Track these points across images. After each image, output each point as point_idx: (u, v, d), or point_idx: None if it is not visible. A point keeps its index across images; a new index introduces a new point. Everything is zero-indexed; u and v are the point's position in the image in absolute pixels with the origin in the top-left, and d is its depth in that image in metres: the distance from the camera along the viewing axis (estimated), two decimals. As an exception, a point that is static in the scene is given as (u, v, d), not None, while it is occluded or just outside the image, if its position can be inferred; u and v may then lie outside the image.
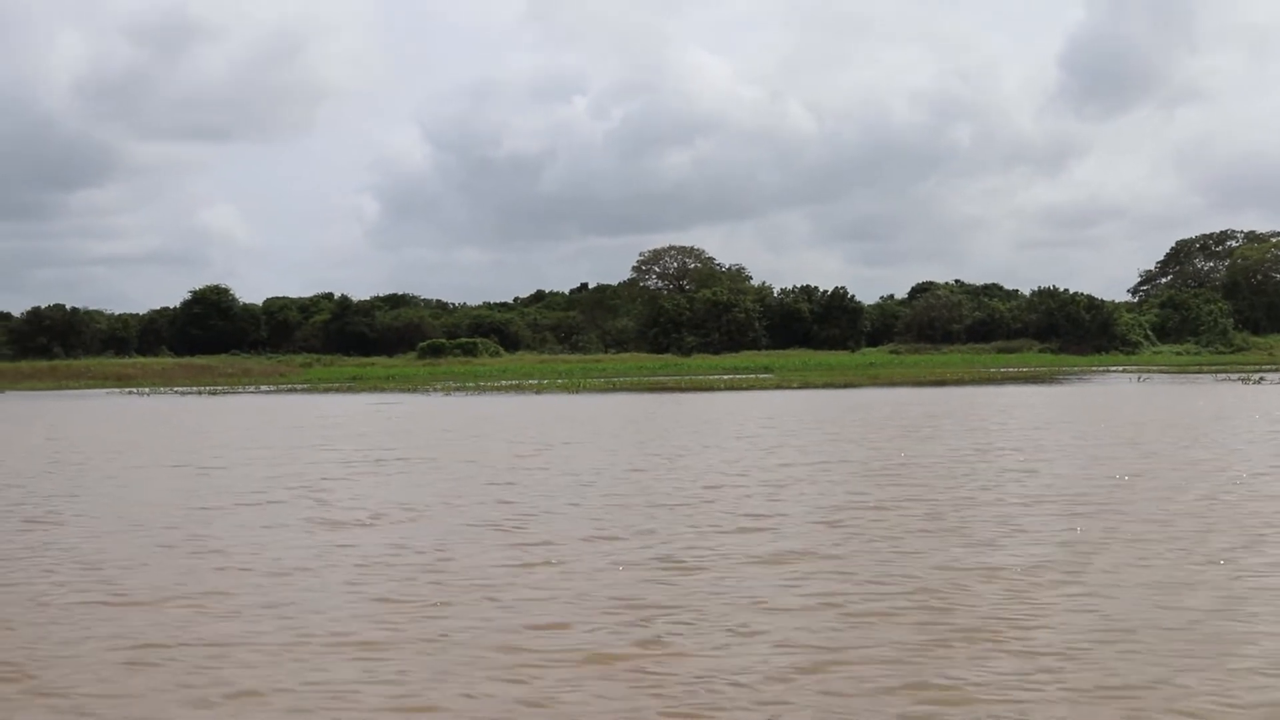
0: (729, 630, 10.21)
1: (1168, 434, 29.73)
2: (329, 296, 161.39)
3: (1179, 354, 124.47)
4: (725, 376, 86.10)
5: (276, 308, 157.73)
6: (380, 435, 34.89)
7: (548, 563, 13.43)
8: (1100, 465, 22.42)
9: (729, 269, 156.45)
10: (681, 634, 10.12)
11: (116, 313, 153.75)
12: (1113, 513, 16.27)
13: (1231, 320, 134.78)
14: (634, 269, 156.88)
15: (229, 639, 10.27)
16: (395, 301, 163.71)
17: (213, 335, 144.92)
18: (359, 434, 35.53)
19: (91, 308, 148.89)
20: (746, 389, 67.12)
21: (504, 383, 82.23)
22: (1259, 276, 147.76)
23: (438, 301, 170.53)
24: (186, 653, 9.83)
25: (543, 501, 18.58)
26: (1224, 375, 75.45)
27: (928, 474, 21.32)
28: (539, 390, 69.57)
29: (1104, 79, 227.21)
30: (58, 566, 13.74)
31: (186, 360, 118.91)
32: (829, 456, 25.00)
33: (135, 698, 8.71)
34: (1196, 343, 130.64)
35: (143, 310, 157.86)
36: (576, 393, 66.64)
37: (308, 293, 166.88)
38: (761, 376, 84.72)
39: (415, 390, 74.84)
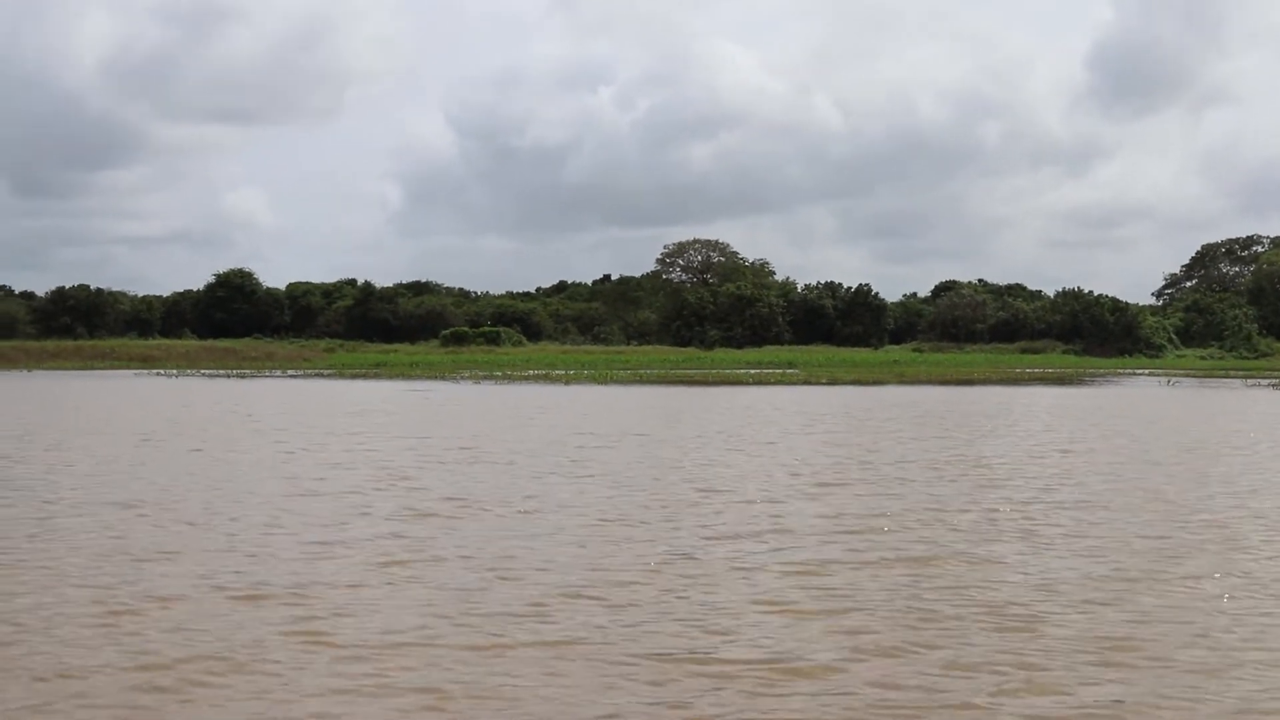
0: (898, 635, 10.14)
1: (1219, 437, 29.60)
2: (352, 282, 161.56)
3: (1202, 358, 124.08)
4: (752, 371, 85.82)
5: (300, 292, 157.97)
6: (436, 423, 34.72)
7: (686, 557, 13.34)
8: (1168, 469, 22.29)
9: (753, 263, 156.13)
10: (836, 643, 10.04)
11: (139, 294, 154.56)
12: (1200, 520, 16.18)
13: (1256, 326, 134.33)
14: (658, 261, 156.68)
15: (377, 636, 10.20)
16: (418, 289, 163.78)
17: (236, 319, 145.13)
18: (413, 421, 35.41)
19: (115, 288, 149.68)
20: (775, 384, 66.93)
21: (530, 372, 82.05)
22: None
23: (460, 290, 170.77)
24: (340, 653, 9.79)
25: (639, 496, 18.51)
26: (1254, 381, 75.09)
27: (1005, 476, 21.24)
28: (567, 381, 69.46)
29: (1132, 80, 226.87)
30: (207, 558, 13.49)
31: (210, 343, 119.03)
32: (897, 456, 24.88)
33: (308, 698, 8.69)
34: (1220, 347, 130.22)
35: (164, 291, 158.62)
36: (606, 384, 66.55)
37: (329, 277, 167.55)
38: (788, 372, 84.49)
39: (443, 378, 74.71)
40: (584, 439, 28.91)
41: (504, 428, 32.82)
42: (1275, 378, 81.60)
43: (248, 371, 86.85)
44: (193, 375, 79.95)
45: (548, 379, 72.00)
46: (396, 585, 11.97)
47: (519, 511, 16.75)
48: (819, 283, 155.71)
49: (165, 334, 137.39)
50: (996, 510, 17.02)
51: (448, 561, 13.17)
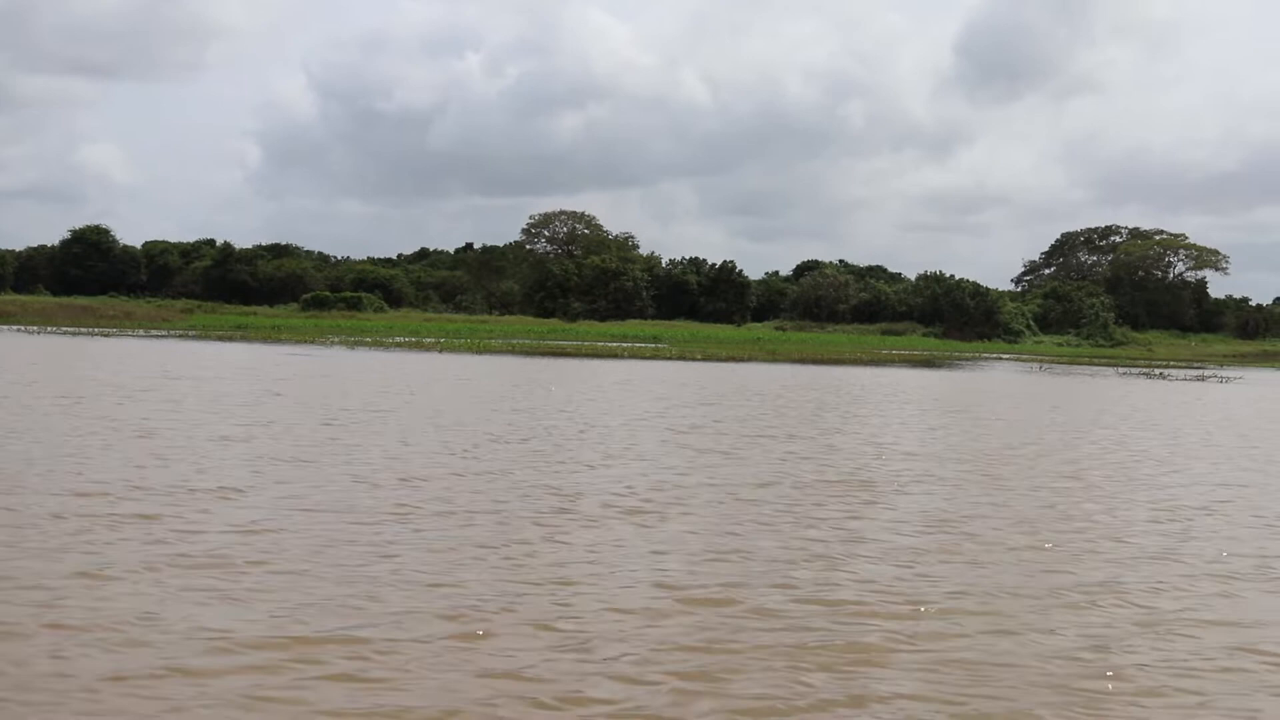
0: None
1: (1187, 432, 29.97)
2: (211, 243, 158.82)
3: (1060, 345, 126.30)
4: (625, 345, 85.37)
5: (157, 251, 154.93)
6: (381, 397, 32.99)
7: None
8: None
9: (617, 237, 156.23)
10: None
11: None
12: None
13: (1113, 314, 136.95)
14: (523, 231, 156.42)
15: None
16: (278, 251, 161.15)
17: (91, 276, 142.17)
18: (345, 392, 33.76)
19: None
20: (650, 359, 66.57)
21: (399, 339, 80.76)
22: (1141, 273, 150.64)
23: (320, 254, 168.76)
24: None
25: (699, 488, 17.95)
26: (1124, 370, 76.30)
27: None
28: (441, 349, 68.48)
29: (998, 66, 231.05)
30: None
31: (67, 300, 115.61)
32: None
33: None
34: (1077, 334, 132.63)
35: (18, 246, 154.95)
36: (481, 353, 65.64)
37: (187, 236, 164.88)
38: (660, 347, 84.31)
39: (313, 343, 73.07)
40: (570, 416, 28.27)
41: (460, 399, 31.89)
42: (1127, 366, 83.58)
43: (111, 331, 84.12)
44: (56, 333, 77.05)
45: (420, 347, 70.92)
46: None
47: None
48: (684, 258, 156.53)
49: (18, 290, 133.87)
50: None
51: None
